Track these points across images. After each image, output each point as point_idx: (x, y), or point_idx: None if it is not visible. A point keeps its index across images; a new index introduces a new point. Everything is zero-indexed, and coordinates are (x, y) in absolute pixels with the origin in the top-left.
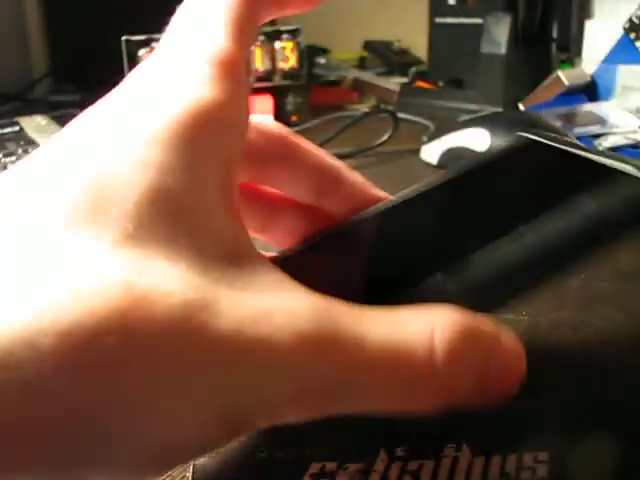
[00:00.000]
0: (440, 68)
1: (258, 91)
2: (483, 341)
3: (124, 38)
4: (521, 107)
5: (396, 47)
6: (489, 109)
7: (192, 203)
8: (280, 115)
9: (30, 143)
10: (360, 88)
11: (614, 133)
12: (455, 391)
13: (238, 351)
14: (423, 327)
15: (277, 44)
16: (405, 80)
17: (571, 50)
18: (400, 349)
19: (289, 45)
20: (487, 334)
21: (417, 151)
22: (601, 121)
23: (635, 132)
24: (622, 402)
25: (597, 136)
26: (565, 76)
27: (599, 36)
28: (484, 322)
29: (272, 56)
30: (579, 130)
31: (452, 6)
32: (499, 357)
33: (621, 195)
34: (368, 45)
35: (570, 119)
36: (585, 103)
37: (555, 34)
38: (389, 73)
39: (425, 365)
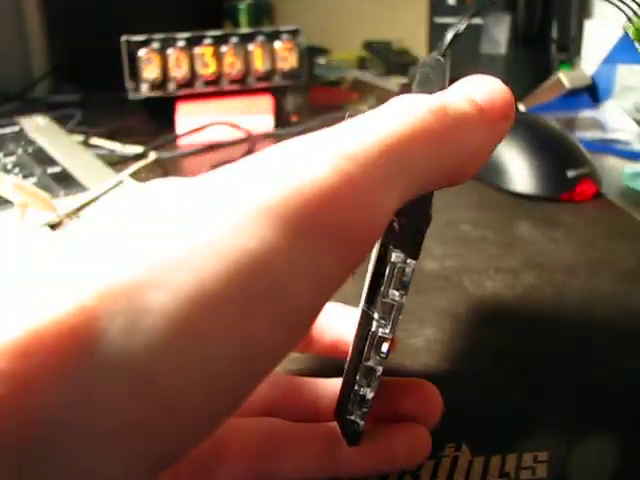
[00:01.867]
0: None
1: (258, 91)
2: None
3: (124, 38)
4: (522, 108)
5: (396, 47)
6: None
7: None
8: (280, 115)
9: (30, 143)
10: (360, 88)
11: (613, 139)
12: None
13: None
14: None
15: (277, 44)
16: (405, 80)
17: (571, 50)
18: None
19: (289, 45)
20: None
21: None
22: (601, 126)
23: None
24: (622, 402)
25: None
26: (566, 78)
27: (599, 36)
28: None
29: (272, 56)
30: (579, 134)
31: (452, 6)
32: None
33: None
34: (368, 45)
35: (570, 123)
36: (586, 108)
37: (555, 34)
38: (389, 73)
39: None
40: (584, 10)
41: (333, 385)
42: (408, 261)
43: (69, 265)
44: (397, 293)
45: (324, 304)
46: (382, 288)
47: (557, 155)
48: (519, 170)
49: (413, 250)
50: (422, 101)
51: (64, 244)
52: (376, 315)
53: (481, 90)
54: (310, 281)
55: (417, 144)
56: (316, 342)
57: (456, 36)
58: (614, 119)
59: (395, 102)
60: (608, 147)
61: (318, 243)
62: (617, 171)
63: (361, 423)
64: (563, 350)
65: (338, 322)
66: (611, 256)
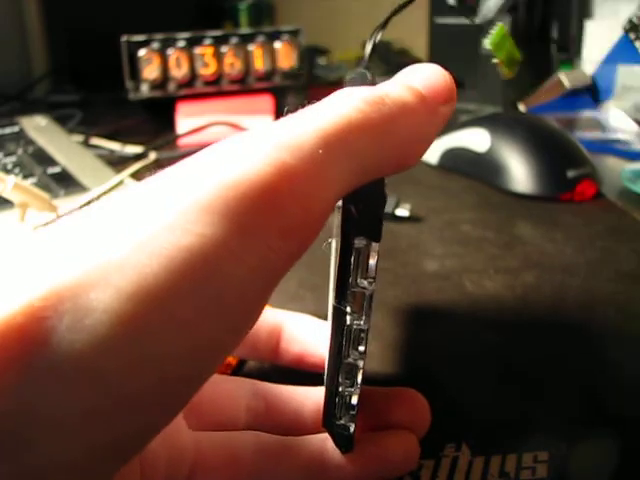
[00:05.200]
0: None
1: (258, 91)
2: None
3: (124, 38)
4: (522, 108)
5: (396, 47)
6: (489, 109)
7: None
8: (280, 115)
9: (30, 143)
10: None
11: (613, 139)
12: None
13: None
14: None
15: (277, 44)
16: None
17: (571, 50)
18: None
19: (289, 45)
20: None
21: None
22: (601, 127)
23: (635, 137)
24: (622, 402)
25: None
26: (566, 78)
27: (599, 36)
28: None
29: (272, 56)
30: (579, 134)
31: (452, 6)
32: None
33: None
34: None
35: (570, 123)
36: (586, 108)
37: (555, 34)
38: (389, 73)
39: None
40: (584, 10)
41: (316, 392)
42: (372, 245)
43: (18, 267)
44: (365, 281)
45: (269, 293)
46: (350, 279)
47: (557, 155)
48: (519, 170)
49: (374, 233)
50: (357, 93)
51: (13, 248)
52: (348, 308)
53: (421, 77)
54: (253, 272)
55: (354, 133)
56: (283, 353)
57: (374, 46)
58: (614, 119)
59: (332, 96)
60: (608, 147)
61: (258, 235)
62: (617, 171)
63: (351, 426)
64: (563, 350)
65: (306, 334)
66: (611, 256)
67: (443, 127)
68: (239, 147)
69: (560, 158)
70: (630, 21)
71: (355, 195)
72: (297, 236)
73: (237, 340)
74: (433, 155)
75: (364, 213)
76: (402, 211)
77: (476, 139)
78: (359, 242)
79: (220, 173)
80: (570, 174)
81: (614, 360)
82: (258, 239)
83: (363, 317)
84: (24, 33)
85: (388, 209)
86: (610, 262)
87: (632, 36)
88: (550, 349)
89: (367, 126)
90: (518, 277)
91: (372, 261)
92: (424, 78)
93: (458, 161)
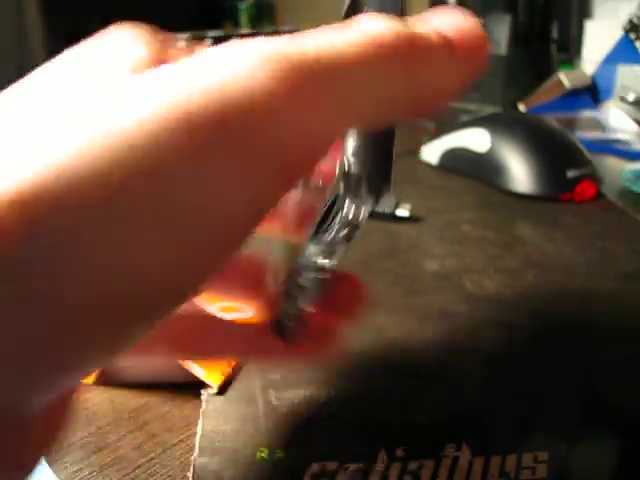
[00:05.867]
0: None
1: None
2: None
3: None
4: (522, 108)
5: None
6: (489, 109)
7: None
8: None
9: None
10: None
11: (613, 139)
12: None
13: None
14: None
15: None
16: None
17: (571, 50)
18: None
19: None
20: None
21: (417, 151)
22: (601, 126)
23: (635, 137)
24: (622, 402)
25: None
26: (566, 78)
27: (599, 36)
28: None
29: None
30: (579, 134)
31: (452, 6)
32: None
33: None
34: None
35: (570, 123)
36: (586, 108)
37: (555, 34)
38: None
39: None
40: (584, 10)
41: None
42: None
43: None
44: (340, 234)
45: (253, 226)
46: (328, 227)
47: (557, 155)
48: (519, 170)
49: (371, 201)
50: (389, 23)
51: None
52: (320, 249)
53: (452, 26)
54: (234, 202)
55: (377, 64)
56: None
57: None
58: (614, 119)
59: (359, 21)
60: (608, 147)
61: (242, 156)
62: (617, 171)
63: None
64: (563, 350)
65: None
66: (611, 256)
67: (470, 80)
68: (231, 53)
69: (560, 158)
70: (630, 21)
71: (360, 148)
72: (287, 165)
73: (212, 267)
74: (433, 155)
75: (364, 182)
76: (402, 211)
77: (476, 139)
78: (348, 209)
79: (203, 77)
80: (570, 174)
81: (614, 360)
82: (242, 159)
83: (333, 259)
84: (24, 33)
85: (388, 209)
86: (610, 262)
87: (632, 36)
88: (550, 349)
89: (394, 61)
90: (518, 277)
91: (358, 216)
92: (455, 27)
93: (458, 161)
